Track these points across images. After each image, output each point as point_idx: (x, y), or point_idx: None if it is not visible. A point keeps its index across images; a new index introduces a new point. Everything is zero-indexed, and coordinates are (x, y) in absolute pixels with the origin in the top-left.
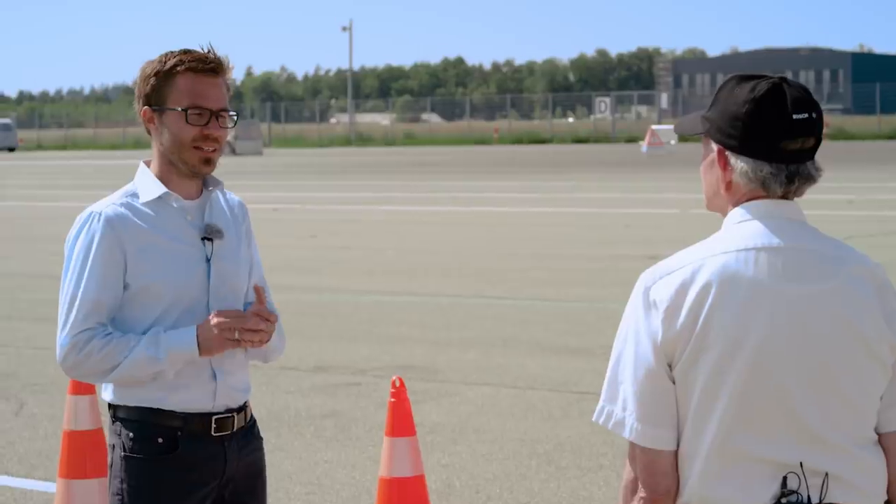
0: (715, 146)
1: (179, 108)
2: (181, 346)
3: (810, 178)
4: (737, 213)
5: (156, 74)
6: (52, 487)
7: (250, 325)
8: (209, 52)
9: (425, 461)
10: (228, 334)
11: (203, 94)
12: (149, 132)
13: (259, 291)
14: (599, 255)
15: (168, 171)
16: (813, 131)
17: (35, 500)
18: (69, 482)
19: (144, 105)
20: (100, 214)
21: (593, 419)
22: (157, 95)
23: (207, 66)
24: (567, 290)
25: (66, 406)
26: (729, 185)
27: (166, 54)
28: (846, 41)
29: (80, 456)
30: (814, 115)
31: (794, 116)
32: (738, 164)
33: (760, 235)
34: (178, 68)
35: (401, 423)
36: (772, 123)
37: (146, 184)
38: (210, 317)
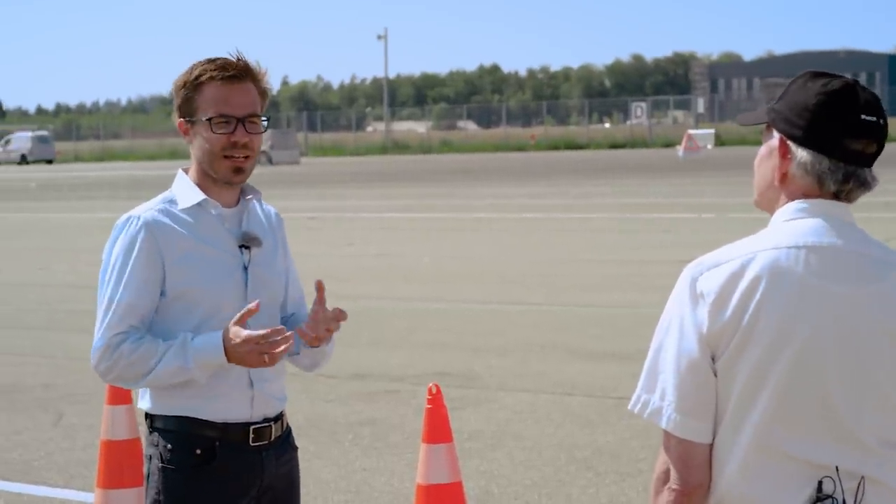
0: (777, 135)
1: (205, 118)
2: (208, 355)
3: (865, 184)
4: (788, 210)
5: (184, 86)
6: (90, 497)
7: (273, 347)
8: (236, 58)
9: (463, 468)
10: (258, 358)
11: (227, 101)
12: (188, 143)
13: (320, 288)
14: (637, 259)
15: (205, 179)
16: (877, 136)
17: None
18: (107, 492)
19: (179, 117)
20: (138, 219)
21: (629, 407)
22: (188, 106)
23: (230, 72)
24: (604, 295)
25: (103, 416)
26: (784, 177)
27: (194, 65)
28: (882, 43)
29: (117, 465)
30: (881, 121)
31: (863, 117)
32: (799, 153)
33: (811, 233)
34: (202, 78)
35: (438, 429)
36: (839, 118)
37: (184, 190)
38: (239, 337)
